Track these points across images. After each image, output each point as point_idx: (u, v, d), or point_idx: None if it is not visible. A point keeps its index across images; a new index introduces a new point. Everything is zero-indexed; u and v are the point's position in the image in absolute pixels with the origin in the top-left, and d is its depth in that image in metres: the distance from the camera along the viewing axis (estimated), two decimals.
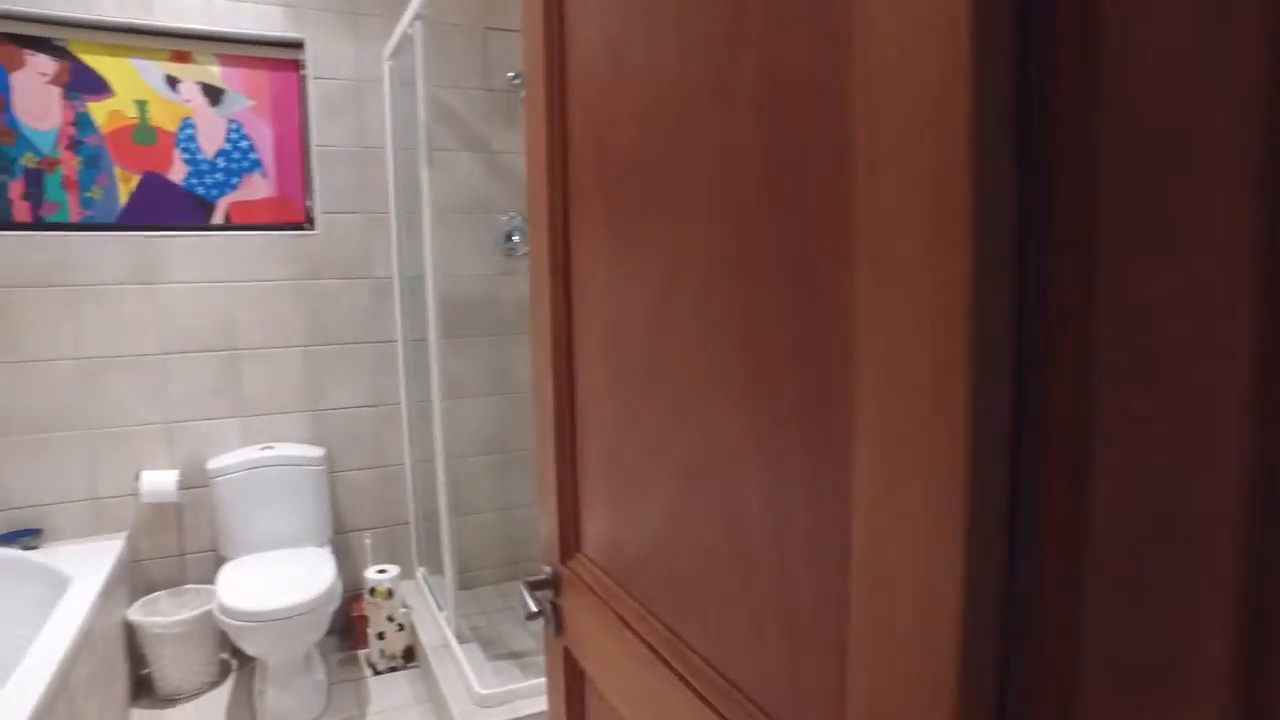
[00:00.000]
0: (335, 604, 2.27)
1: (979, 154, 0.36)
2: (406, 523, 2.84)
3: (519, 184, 2.85)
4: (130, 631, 2.39)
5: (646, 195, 0.74)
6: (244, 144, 2.54)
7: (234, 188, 2.54)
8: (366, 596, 2.56)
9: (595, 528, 0.95)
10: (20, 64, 2.29)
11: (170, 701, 2.40)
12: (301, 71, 2.57)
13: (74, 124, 2.35)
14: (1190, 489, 0.32)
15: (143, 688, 2.46)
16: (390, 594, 2.53)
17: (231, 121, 2.52)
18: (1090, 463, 0.36)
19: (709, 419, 0.65)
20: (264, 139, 2.56)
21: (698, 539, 0.68)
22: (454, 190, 2.71)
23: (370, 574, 2.56)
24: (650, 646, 0.77)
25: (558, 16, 0.94)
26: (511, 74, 2.76)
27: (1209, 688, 0.32)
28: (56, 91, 2.33)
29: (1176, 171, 0.31)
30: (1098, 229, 0.34)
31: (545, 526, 1.09)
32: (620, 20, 0.77)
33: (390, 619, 2.55)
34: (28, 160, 2.32)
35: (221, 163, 2.52)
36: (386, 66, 2.58)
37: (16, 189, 2.32)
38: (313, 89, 2.56)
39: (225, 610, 2.14)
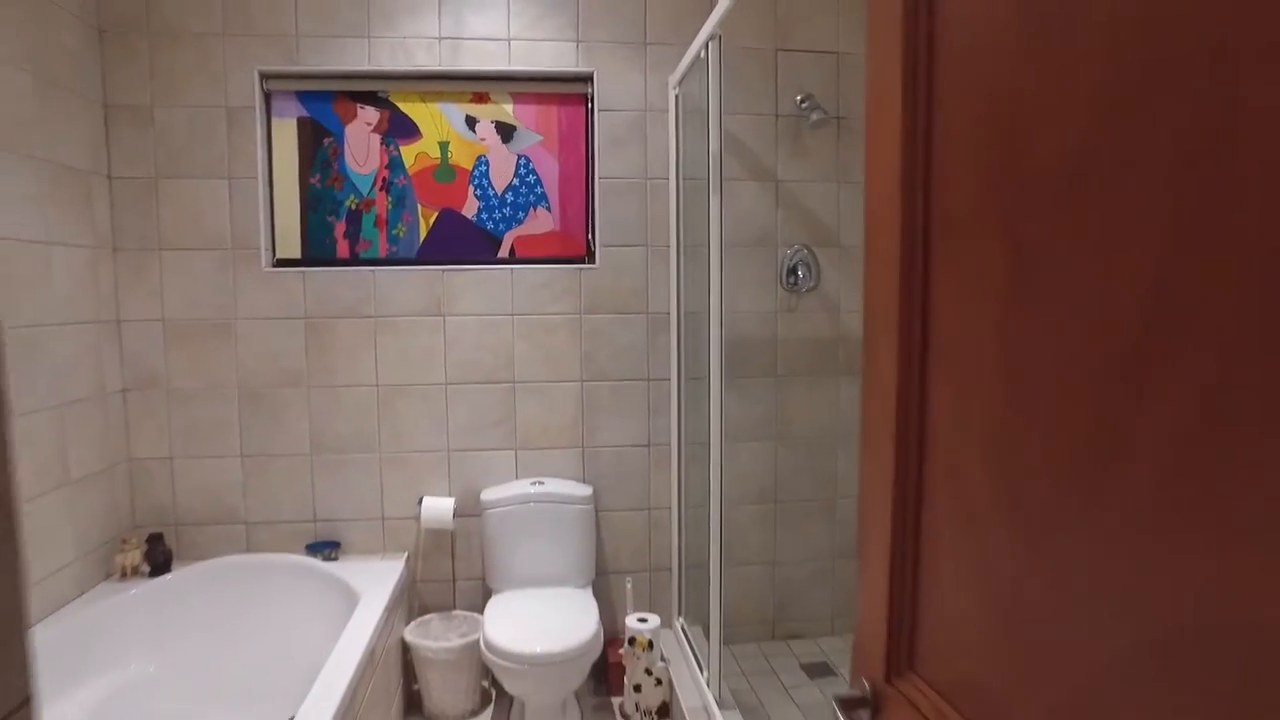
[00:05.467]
0: (597, 653, 2.17)
1: None
2: (668, 569, 2.70)
3: (804, 215, 2.64)
4: (405, 649, 2.46)
5: (1098, 215, 0.47)
6: (531, 179, 2.59)
7: (520, 222, 2.60)
8: (625, 646, 2.43)
9: (954, 638, 0.68)
10: (353, 117, 2.51)
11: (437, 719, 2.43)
12: (589, 104, 2.57)
13: (388, 166, 2.53)
14: None
15: (412, 704, 2.52)
16: (650, 646, 2.38)
17: (521, 157, 2.58)
18: None
19: (1219, 549, 0.37)
20: (550, 173, 2.59)
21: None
22: (736, 222, 2.56)
23: (631, 622, 2.43)
24: None
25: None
26: (800, 97, 2.56)
27: None
28: (377, 138, 2.52)
29: None
30: None
31: (865, 627, 0.84)
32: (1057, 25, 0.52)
33: (648, 672, 2.40)
34: (350, 202, 2.53)
35: (510, 197, 2.59)
36: (673, 95, 2.50)
37: (340, 229, 2.53)
38: (599, 121, 2.55)
39: (491, 648, 2.11)
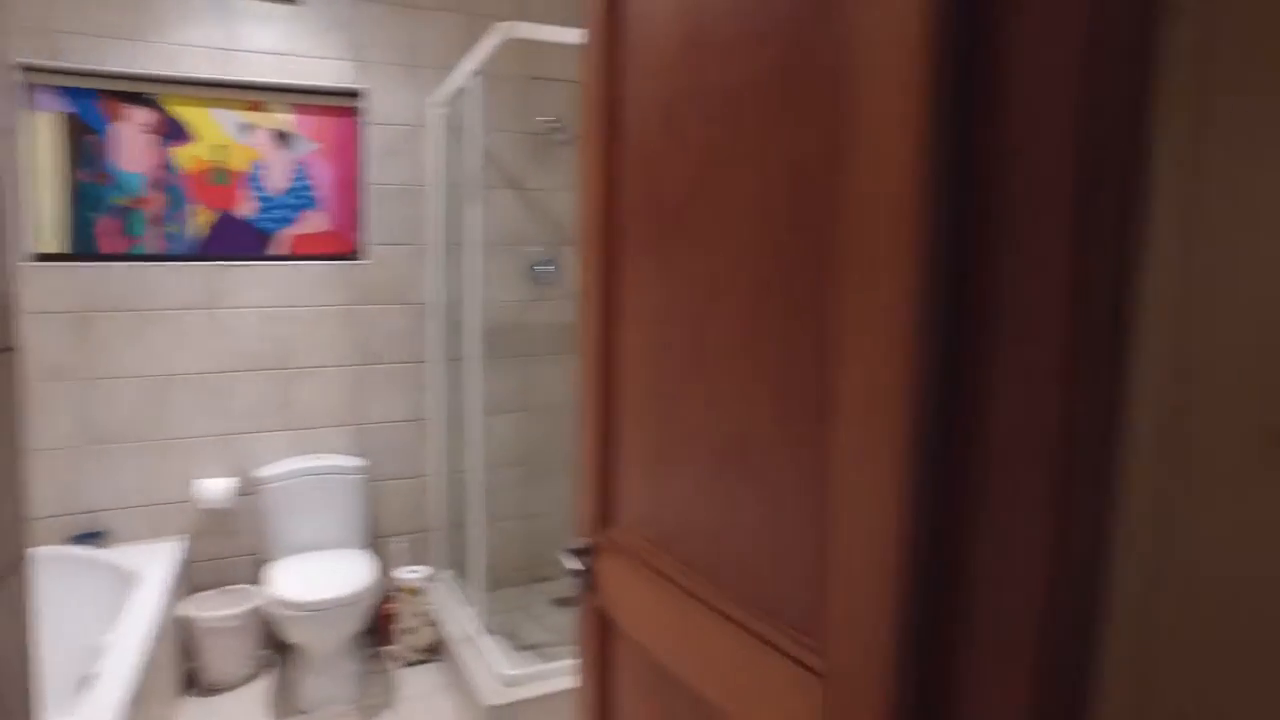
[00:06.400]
0: (373, 600, 2.52)
1: (925, 236, 0.64)
2: (436, 529, 3.09)
3: (548, 219, 3.15)
4: (183, 627, 2.61)
5: (694, 233, 0.97)
6: (306, 183, 2.84)
7: (293, 222, 2.84)
8: (397, 595, 2.80)
9: (633, 502, 1.20)
10: (121, 116, 2.60)
11: (216, 691, 2.62)
12: (361, 117, 2.88)
13: (162, 167, 2.65)
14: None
15: (191, 682, 2.67)
16: (420, 591, 2.77)
17: (298, 163, 2.82)
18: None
19: (738, 407, 0.91)
20: (324, 178, 2.87)
21: (725, 500, 0.94)
22: (493, 225, 3.00)
23: (401, 573, 2.80)
24: (682, 587, 1.02)
25: (613, 91, 1.19)
26: (544, 118, 3.06)
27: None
28: (150, 138, 2.63)
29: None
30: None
31: (585, 504, 1.33)
32: (670, 96, 1.01)
33: (418, 614, 2.78)
34: (120, 199, 2.61)
35: (287, 200, 2.82)
36: (439, 113, 2.88)
37: (105, 224, 2.61)
38: (371, 133, 2.87)
39: (278, 602, 2.38)
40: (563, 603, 3.03)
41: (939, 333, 0.65)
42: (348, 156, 2.90)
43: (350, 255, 2.93)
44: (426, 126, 2.94)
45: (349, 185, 2.91)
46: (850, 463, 0.72)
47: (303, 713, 2.51)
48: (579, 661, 1.37)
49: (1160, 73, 0.59)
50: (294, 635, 2.44)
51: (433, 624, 2.81)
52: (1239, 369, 0.70)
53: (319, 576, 2.50)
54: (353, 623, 2.47)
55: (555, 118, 3.09)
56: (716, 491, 0.96)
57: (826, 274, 0.75)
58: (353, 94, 2.86)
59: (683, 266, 1.01)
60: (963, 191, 0.64)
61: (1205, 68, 0.58)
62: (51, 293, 2.52)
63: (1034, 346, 0.61)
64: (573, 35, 2.24)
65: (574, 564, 1.30)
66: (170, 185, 2.67)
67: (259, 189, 2.79)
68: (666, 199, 1.05)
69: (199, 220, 2.72)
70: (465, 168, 2.61)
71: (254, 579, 2.80)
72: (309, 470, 2.77)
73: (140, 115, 2.62)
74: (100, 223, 2.60)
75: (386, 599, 2.90)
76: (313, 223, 2.87)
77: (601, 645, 1.30)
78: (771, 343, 0.84)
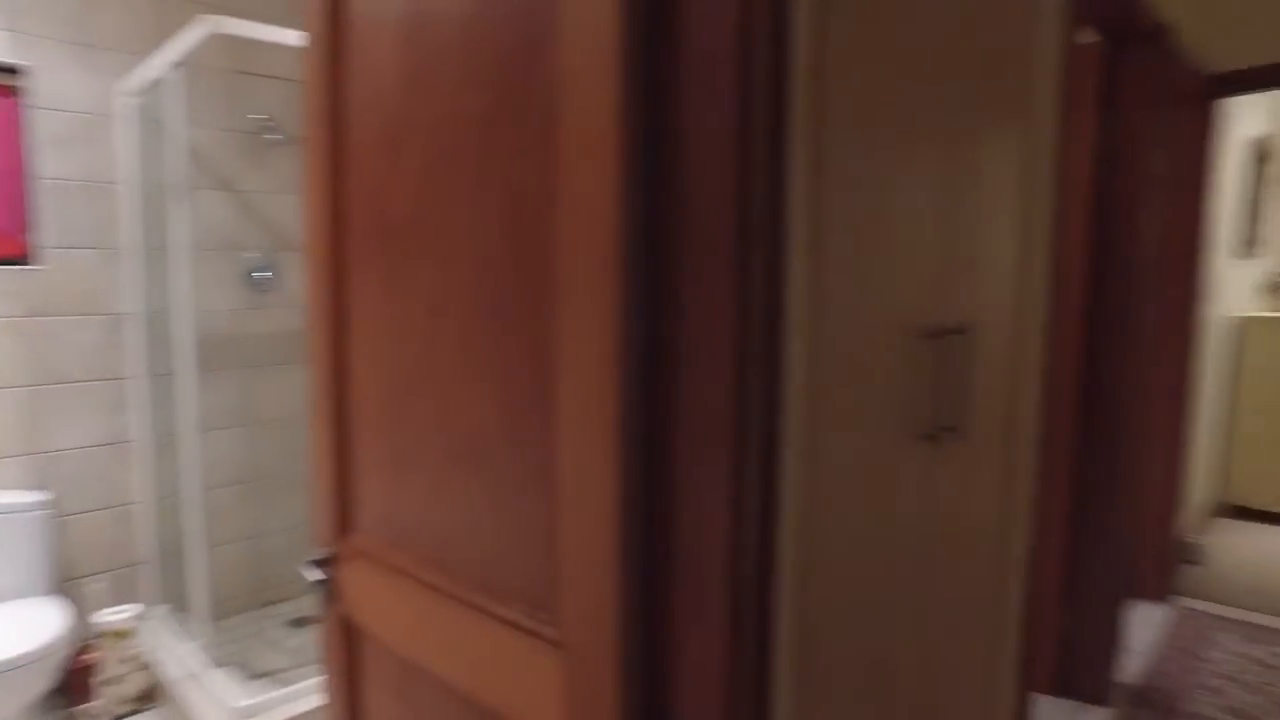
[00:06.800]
0: (68, 650, 2.22)
1: (623, 253, 0.75)
2: (146, 562, 2.78)
3: (265, 222, 2.96)
4: None
5: (419, 250, 1.04)
6: None
7: None
8: (98, 642, 2.49)
9: (371, 508, 1.23)
10: None
11: None
12: (22, 99, 2.50)
13: None
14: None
15: None
16: (127, 633, 2.49)
17: None
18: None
19: (468, 412, 0.99)
20: None
21: (460, 498, 1.01)
22: (199, 227, 2.76)
23: (103, 616, 2.49)
24: (424, 583, 1.08)
25: (338, 110, 1.21)
26: (257, 116, 2.88)
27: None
28: None
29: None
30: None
31: (323, 514, 1.33)
32: (394, 123, 1.06)
33: (126, 660, 2.50)
34: None
35: None
36: (129, 102, 2.58)
37: None
38: (38, 118, 2.50)
39: None
40: (301, 622, 2.88)
41: (639, 340, 0.78)
42: (8, 144, 2.50)
43: (20, 259, 2.53)
44: (115, 117, 2.62)
45: (12, 177, 2.51)
46: (572, 456, 0.83)
47: None
48: (326, 675, 1.36)
49: (791, 91, 0.77)
50: None
51: (145, 668, 2.53)
52: (855, 356, 0.93)
53: None
54: (36, 684, 2.15)
55: (269, 116, 2.92)
56: (452, 490, 1.03)
57: (544, 293, 0.85)
58: (10, 70, 2.47)
59: (412, 283, 1.07)
60: (652, 223, 0.77)
61: (820, 83, 0.78)
62: None
63: (712, 342, 0.76)
64: (284, 35, 2.15)
65: (315, 575, 1.29)
66: None
67: None
68: (393, 218, 1.10)
69: None
70: (167, 165, 2.38)
71: None
72: None
73: None
74: None
75: (84, 648, 2.56)
76: None
77: (348, 653, 1.31)
78: (496, 354, 0.93)
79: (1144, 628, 2.91)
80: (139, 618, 2.57)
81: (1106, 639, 2.46)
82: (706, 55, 0.73)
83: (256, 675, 2.44)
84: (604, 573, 0.82)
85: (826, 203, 0.87)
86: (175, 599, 2.72)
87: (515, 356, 0.91)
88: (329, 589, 1.30)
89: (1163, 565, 3.15)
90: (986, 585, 1.53)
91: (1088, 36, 2.25)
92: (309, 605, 3.07)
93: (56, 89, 2.53)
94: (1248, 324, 4.16)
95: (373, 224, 1.14)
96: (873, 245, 1.00)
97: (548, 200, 0.83)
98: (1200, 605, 3.13)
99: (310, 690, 2.12)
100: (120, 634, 2.47)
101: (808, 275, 0.85)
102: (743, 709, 0.81)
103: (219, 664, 2.34)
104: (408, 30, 1.02)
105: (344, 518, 1.28)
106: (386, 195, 1.10)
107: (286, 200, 3.00)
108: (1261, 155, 4.02)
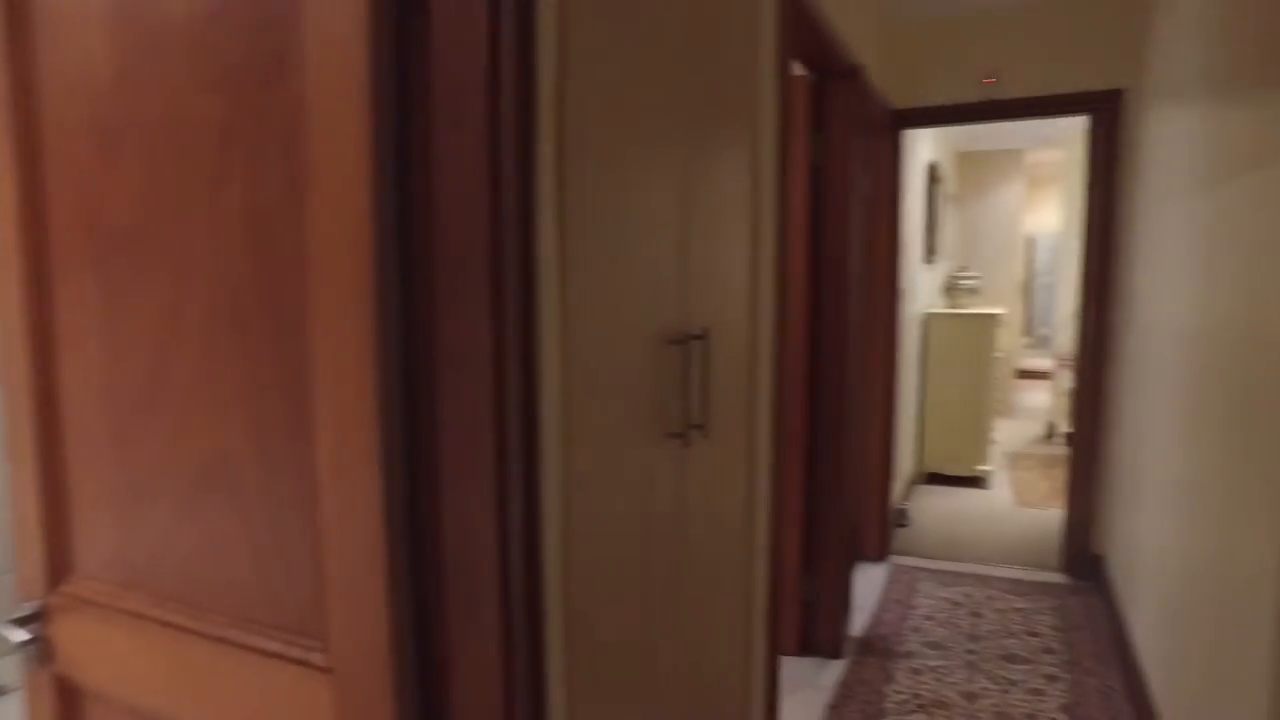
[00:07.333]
0: None
1: (378, 273, 0.75)
2: None
3: None
4: None
5: (147, 264, 0.94)
6: None
7: None
8: None
9: (96, 548, 1.09)
10: None
11: None
12: None
13: None
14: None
15: None
16: None
17: None
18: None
19: (214, 432, 0.91)
20: None
21: (210, 525, 0.94)
22: None
23: None
24: (166, 623, 0.98)
25: (23, 90, 1.05)
26: None
27: None
28: None
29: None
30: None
31: (28, 563, 1.15)
32: (106, 122, 0.96)
33: None
34: None
35: None
36: None
37: None
38: None
39: None
40: None
41: (398, 356, 0.79)
42: None
43: None
44: None
45: None
46: (333, 473, 0.81)
47: None
48: None
49: (539, 119, 0.82)
50: None
51: None
52: (607, 363, 1.00)
53: None
54: None
55: None
56: (200, 518, 0.95)
57: (294, 306, 0.82)
58: None
59: (139, 298, 0.97)
60: (406, 241, 0.78)
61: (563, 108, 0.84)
62: None
63: (470, 356, 0.79)
64: None
65: (20, 635, 1.12)
66: None
67: None
68: (112, 226, 0.99)
69: None
70: None
71: None
72: None
73: None
74: None
75: None
76: None
77: (66, 718, 1.15)
78: (243, 370, 0.88)
79: (868, 586, 3.34)
80: None
81: (840, 600, 2.80)
82: (457, 87, 0.75)
83: None
84: (373, 591, 0.81)
85: (573, 219, 0.93)
86: None
87: (265, 372, 0.86)
88: (38, 648, 1.13)
89: (882, 530, 3.63)
90: (737, 565, 1.69)
91: (800, 70, 2.55)
92: (5, 672, 2.61)
93: None
94: (931, 319, 4.95)
95: (83, 231, 1.02)
96: (620, 258, 1.08)
97: (295, 215, 0.81)
98: (909, 561, 3.66)
99: None
100: None
101: (558, 288, 0.90)
102: (520, 703, 0.84)
103: None
104: (117, 17, 0.93)
105: (58, 564, 1.13)
106: (101, 199, 0.99)
107: None
108: (934, 177, 4.79)
